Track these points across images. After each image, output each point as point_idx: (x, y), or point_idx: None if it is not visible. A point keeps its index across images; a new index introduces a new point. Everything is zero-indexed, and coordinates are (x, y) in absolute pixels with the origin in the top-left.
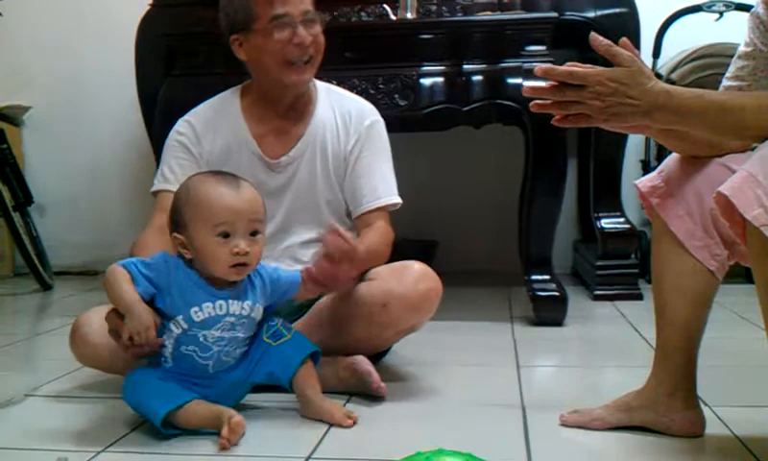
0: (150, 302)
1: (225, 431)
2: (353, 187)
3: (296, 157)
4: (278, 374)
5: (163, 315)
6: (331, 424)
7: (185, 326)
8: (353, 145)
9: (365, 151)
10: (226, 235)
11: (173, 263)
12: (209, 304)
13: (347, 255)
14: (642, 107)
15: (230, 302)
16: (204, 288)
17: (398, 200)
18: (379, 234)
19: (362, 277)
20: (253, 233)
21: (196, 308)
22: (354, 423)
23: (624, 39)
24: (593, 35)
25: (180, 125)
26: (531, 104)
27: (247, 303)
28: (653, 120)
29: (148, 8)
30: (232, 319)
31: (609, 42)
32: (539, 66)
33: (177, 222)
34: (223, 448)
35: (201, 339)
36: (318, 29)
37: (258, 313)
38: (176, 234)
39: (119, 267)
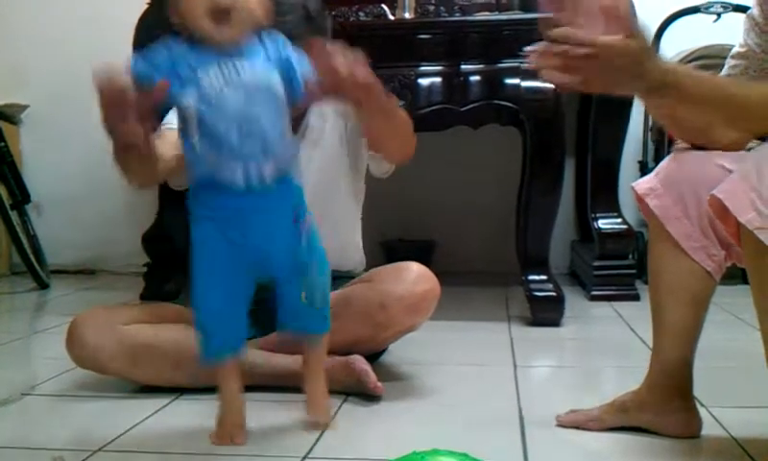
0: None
1: (223, 435)
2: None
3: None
4: (288, 321)
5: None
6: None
7: (196, 96)
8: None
9: None
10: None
11: (172, 41)
12: (215, 67)
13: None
14: (648, 83)
15: (238, 64)
16: (207, 52)
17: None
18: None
19: (353, 279)
20: None
21: (202, 73)
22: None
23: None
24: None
25: None
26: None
27: (259, 67)
28: (659, 96)
29: (147, 6)
30: (243, 82)
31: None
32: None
33: None
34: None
35: (216, 109)
36: None
37: (275, 83)
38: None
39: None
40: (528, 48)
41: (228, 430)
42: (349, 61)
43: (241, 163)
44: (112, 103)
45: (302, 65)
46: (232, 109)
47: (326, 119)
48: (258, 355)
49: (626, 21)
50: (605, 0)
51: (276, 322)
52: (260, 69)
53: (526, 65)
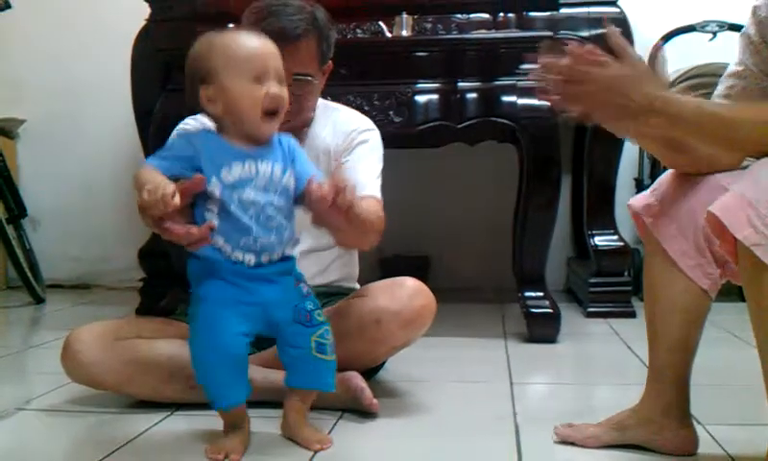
0: (201, 178)
1: (220, 451)
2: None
3: None
4: (290, 374)
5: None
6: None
7: (219, 187)
8: (344, 143)
9: (354, 151)
10: (258, 80)
11: (193, 134)
12: (239, 164)
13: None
14: (634, 108)
15: (259, 162)
16: (231, 150)
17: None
18: (366, 200)
19: (349, 295)
20: (280, 81)
21: (226, 169)
22: (323, 447)
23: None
24: (611, 28)
25: (188, 120)
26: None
27: (277, 165)
28: (646, 124)
29: (144, 22)
30: (263, 180)
31: (624, 43)
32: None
33: (202, 75)
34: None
35: (236, 200)
36: (303, 86)
37: (289, 181)
38: (204, 87)
39: (141, 168)
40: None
41: (228, 447)
42: (336, 192)
43: (254, 250)
44: (157, 217)
45: (306, 167)
46: (252, 205)
47: (326, 133)
48: (255, 371)
49: (620, 51)
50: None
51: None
52: (277, 168)
53: (523, 82)
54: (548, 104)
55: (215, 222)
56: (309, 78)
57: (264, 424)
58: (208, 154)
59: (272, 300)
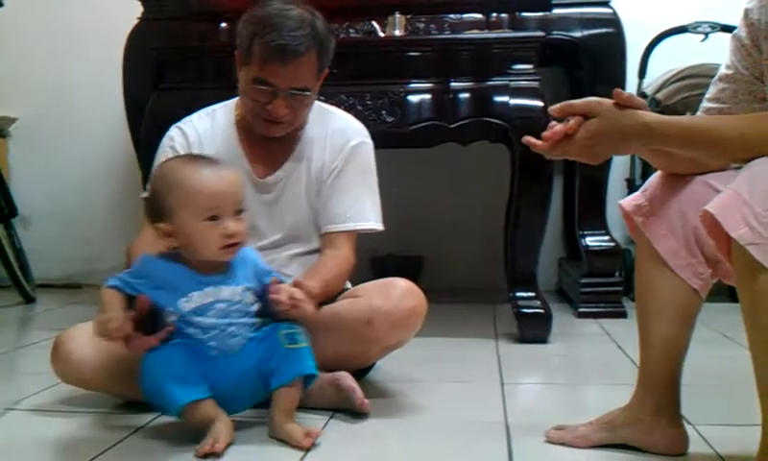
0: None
1: (209, 444)
2: (326, 204)
3: (282, 177)
4: (272, 379)
5: (161, 309)
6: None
7: (177, 316)
8: (336, 163)
9: (345, 170)
10: (214, 218)
11: (154, 261)
12: (197, 293)
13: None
14: (632, 143)
15: (219, 287)
16: (190, 277)
17: (372, 225)
18: (336, 264)
19: (341, 294)
20: (238, 213)
21: (184, 299)
22: (313, 440)
23: (617, 90)
24: (617, 91)
25: (173, 131)
26: (526, 139)
27: (238, 288)
28: (636, 147)
29: (137, 21)
30: (224, 305)
31: (630, 95)
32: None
33: (159, 211)
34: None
35: (196, 324)
36: (300, 100)
37: (250, 297)
38: (159, 225)
39: (104, 288)
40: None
41: (212, 439)
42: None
43: (214, 357)
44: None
45: (265, 266)
46: (212, 328)
47: (318, 144)
48: None
49: (585, 110)
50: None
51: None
52: (239, 290)
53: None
54: (541, 104)
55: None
56: (307, 92)
57: (254, 426)
58: (167, 283)
59: (241, 375)
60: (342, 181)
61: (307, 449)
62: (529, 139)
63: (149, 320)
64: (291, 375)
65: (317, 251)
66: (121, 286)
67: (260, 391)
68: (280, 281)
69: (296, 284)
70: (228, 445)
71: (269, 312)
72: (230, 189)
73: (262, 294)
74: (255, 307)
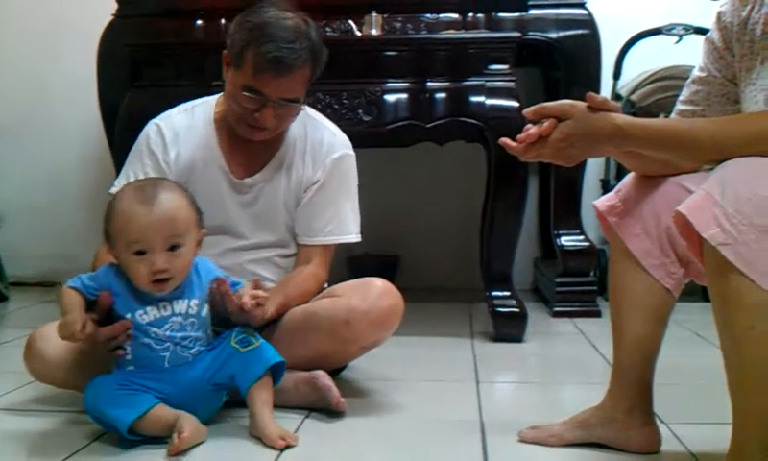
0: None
1: (174, 439)
2: (305, 215)
3: (260, 180)
4: (239, 380)
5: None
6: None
7: (133, 326)
8: (317, 176)
9: (327, 184)
10: (141, 252)
11: (114, 272)
12: (153, 307)
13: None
14: (605, 145)
15: (174, 302)
16: (144, 294)
17: (352, 238)
18: (303, 281)
19: (318, 294)
20: (173, 248)
21: (141, 311)
22: (288, 445)
23: (590, 94)
24: (591, 94)
25: (151, 128)
26: (502, 141)
27: (193, 302)
28: (609, 149)
29: (111, 18)
30: (179, 318)
31: (604, 99)
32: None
33: (107, 235)
34: (171, 455)
35: (152, 335)
36: (289, 110)
37: (205, 310)
38: (107, 246)
39: (65, 287)
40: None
41: (177, 431)
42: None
43: (169, 368)
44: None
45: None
46: (168, 339)
47: (299, 154)
48: None
49: (557, 113)
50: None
51: (232, 379)
52: (194, 304)
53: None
54: (516, 104)
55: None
56: (296, 103)
57: (230, 425)
58: (124, 295)
59: (193, 385)
60: (323, 195)
61: (282, 449)
62: (504, 141)
63: (109, 319)
64: (256, 372)
65: (294, 255)
66: (81, 288)
67: (215, 401)
68: (233, 284)
69: (255, 284)
70: (200, 442)
71: (222, 317)
72: (159, 226)
73: (212, 298)
74: (208, 316)
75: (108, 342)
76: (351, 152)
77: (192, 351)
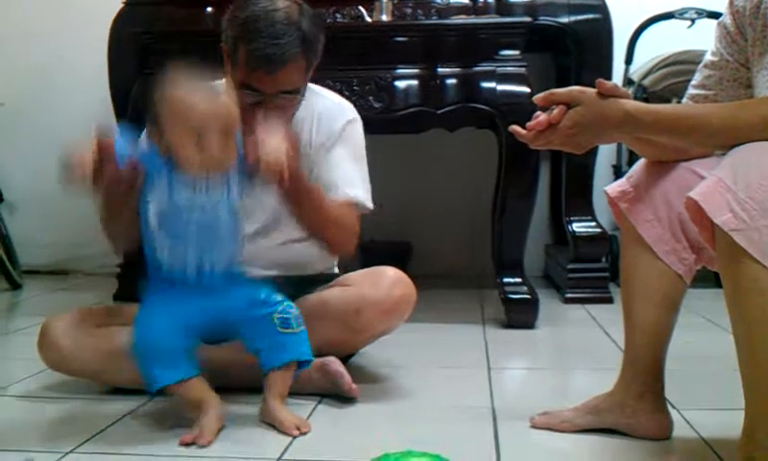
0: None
1: (197, 436)
2: (317, 180)
3: None
4: (264, 358)
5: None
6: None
7: (165, 199)
8: (325, 141)
9: (335, 147)
10: (197, 141)
11: (144, 154)
12: (184, 186)
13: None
14: (614, 133)
15: (205, 182)
16: (177, 173)
17: (361, 199)
18: (338, 205)
19: (330, 283)
20: (226, 137)
21: (170, 189)
22: (302, 433)
23: (599, 80)
24: (600, 81)
25: None
26: (511, 129)
27: (224, 186)
28: (619, 135)
29: (122, 4)
30: (209, 201)
31: (613, 85)
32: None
33: (153, 115)
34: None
35: (180, 219)
36: (290, 100)
37: (235, 198)
38: (152, 130)
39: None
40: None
41: (197, 432)
42: (269, 147)
43: (196, 260)
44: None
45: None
46: (194, 217)
47: (307, 126)
48: (215, 352)
49: (567, 99)
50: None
51: (256, 353)
52: (224, 188)
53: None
54: (527, 90)
55: (157, 232)
56: (296, 93)
57: (244, 409)
58: (155, 171)
59: (220, 306)
60: (331, 158)
61: (295, 436)
62: (514, 128)
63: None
64: (285, 359)
65: (304, 239)
66: (116, 147)
67: (219, 338)
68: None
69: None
70: (220, 430)
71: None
72: (220, 112)
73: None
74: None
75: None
76: (357, 117)
77: (218, 240)
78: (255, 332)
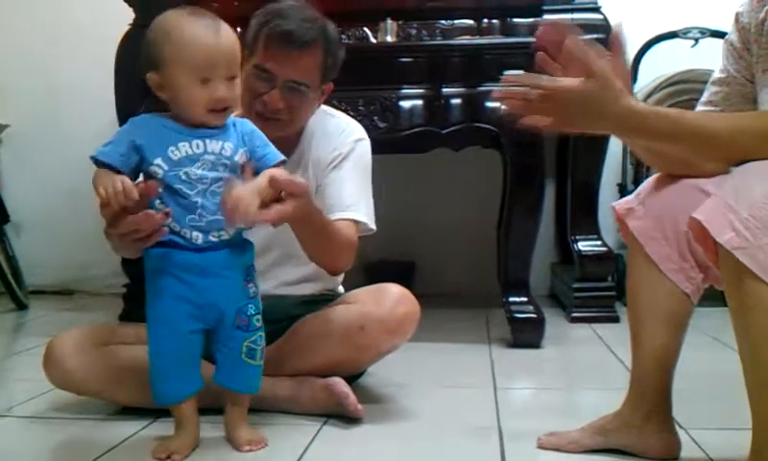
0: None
1: (163, 451)
2: (322, 196)
3: None
4: (222, 376)
5: (149, 174)
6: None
7: (166, 166)
8: (331, 158)
9: (342, 165)
10: (205, 80)
11: (142, 119)
12: (185, 144)
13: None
14: (612, 124)
15: (208, 141)
16: (180, 130)
17: (364, 220)
18: (338, 229)
19: (334, 301)
20: (231, 78)
21: (172, 147)
22: (252, 449)
23: (615, 33)
24: (572, 39)
25: None
26: (497, 94)
27: (227, 144)
28: (626, 135)
29: (128, 27)
30: (212, 157)
31: (590, 55)
32: (506, 74)
33: (152, 60)
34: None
35: (183, 177)
36: (299, 96)
37: (241, 156)
38: (151, 74)
39: (98, 169)
40: (494, 90)
41: (173, 447)
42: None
43: (202, 228)
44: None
45: (268, 150)
46: (199, 181)
47: (316, 143)
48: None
49: (587, 64)
50: (569, 42)
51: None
52: (228, 146)
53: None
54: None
55: (165, 205)
56: (303, 87)
57: (216, 428)
58: (154, 136)
59: (219, 299)
60: (337, 176)
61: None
62: (542, 57)
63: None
64: (232, 388)
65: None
66: (115, 163)
67: (244, 306)
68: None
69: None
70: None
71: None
72: (227, 49)
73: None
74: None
75: (141, 202)
76: (366, 137)
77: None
78: (222, 342)
